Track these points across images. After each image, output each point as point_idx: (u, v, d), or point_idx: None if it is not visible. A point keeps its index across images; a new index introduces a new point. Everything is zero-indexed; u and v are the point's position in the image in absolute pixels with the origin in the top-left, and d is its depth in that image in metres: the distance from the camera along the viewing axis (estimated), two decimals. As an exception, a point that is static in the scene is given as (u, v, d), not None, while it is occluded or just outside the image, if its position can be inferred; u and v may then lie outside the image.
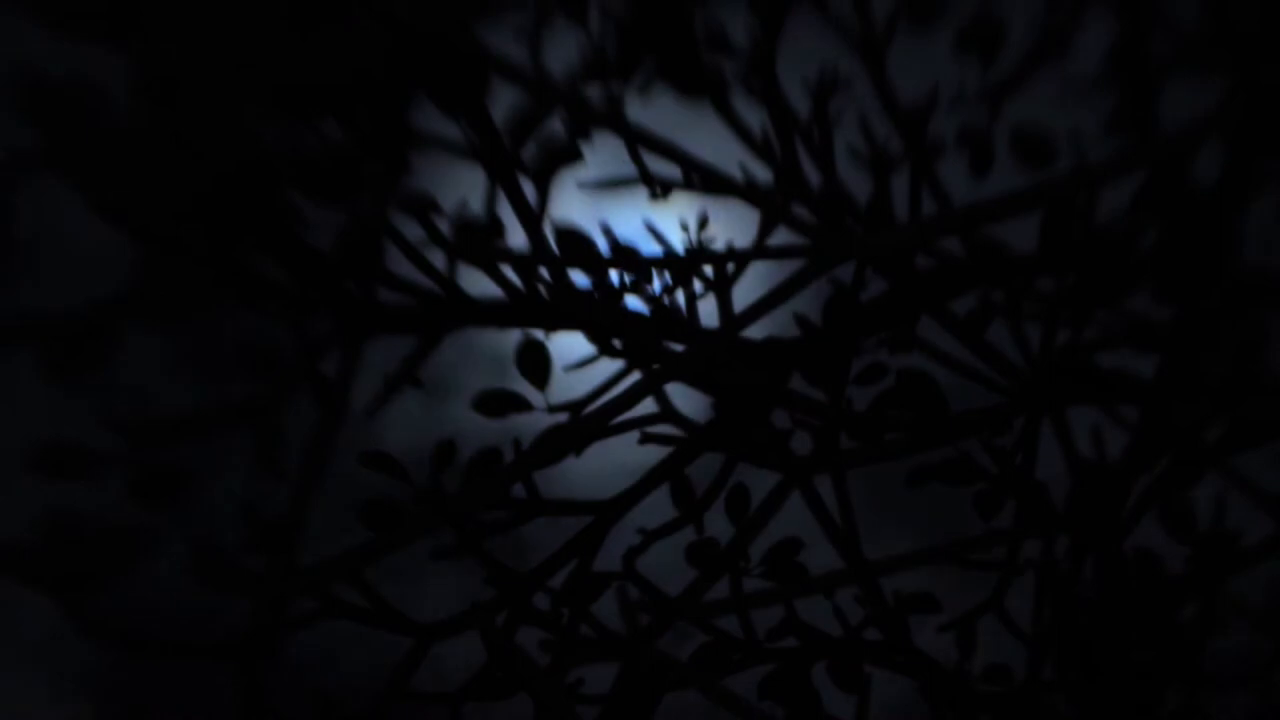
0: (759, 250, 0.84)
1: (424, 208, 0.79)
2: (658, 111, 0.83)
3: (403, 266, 0.80)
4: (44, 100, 0.74)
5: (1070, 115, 0.80)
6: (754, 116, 0.84)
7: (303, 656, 0.83)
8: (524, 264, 0.81)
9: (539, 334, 0.85)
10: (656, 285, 0.84)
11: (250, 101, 0.75)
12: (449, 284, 0.80)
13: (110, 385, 0.77)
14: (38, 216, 0.75)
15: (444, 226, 0.80)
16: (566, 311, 0.81)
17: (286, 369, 0.78)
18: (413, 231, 0.79)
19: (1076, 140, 0.78)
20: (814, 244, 0.81)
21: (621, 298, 0.83)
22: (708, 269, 0.85)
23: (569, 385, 0.86)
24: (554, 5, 0.81)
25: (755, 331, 0.83)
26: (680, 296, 0.84)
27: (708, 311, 0.85)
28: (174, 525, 0.78)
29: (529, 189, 0.80)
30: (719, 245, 0.85)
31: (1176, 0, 0.75)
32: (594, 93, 0.81)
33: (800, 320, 0.84)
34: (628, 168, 0.85)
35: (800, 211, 0.84)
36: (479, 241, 0.80)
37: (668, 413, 0.87)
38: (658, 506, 0.91)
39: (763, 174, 0.84)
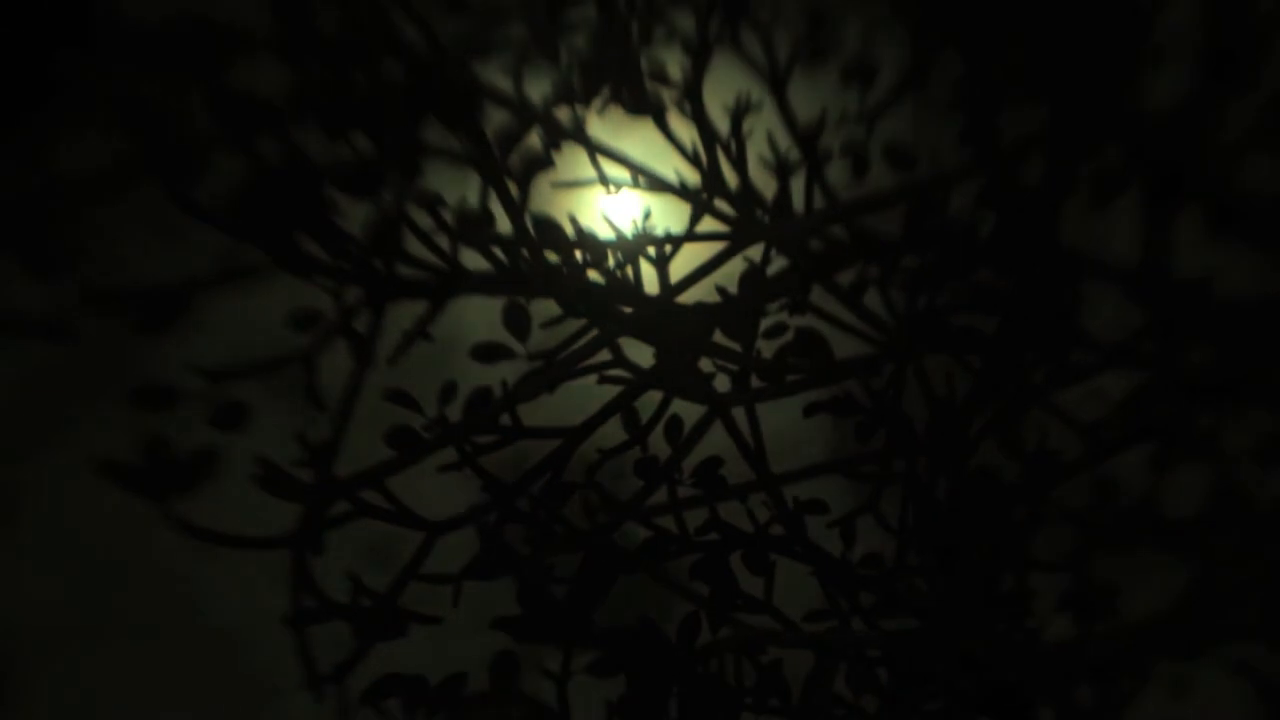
0: (689, 236, 0.95)
1: (432, 203, 0.89)
2: (612, 129, 0.94)
3: (416, 248, 0.90)
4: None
5: (929, 131, 0.91)
6: (686, 133, 0.94)
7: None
8: (509, 246, 0.91)
9: (521, 299, 0.94)
10: (611, 262, 0.93)
11: (300, 120, 0.87)
12: (452, 261, 0.90)
13: (193, 337, 0.89)
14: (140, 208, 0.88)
15: (448, 217, 0.90)
16: (542, 282, 0.92)
17: (327, 327, 0.89)
18: (424, 221, 0.90)
19: (933, 151, 0.89)
20: (731, 231, 0.95)
21: (584, 272, 0.92)
22: (650, 250, 0.94)
23: (543, 339, 0.95)
24: (532, 48, 0.91)
25: (687, 298, 0.95)
26: (629, 271, 0.93)
27: (650, 282, 0.94)
28: (242, 448, 0.89)
29: (514, 189, 0.91)
30: (659, 232, 0.93)
31: (1010, 47, 0.85)
32: (563, 115, 0.92)
33: (720, 289, 0.95)
34: (589, 172, 0.95)
35: (721, 206, 0.95)
36: (475, 229, 0.90)
37: (620, 360, 0.96)
38: (612, 432, 1.01)
39: (692, 177, 0.95)
